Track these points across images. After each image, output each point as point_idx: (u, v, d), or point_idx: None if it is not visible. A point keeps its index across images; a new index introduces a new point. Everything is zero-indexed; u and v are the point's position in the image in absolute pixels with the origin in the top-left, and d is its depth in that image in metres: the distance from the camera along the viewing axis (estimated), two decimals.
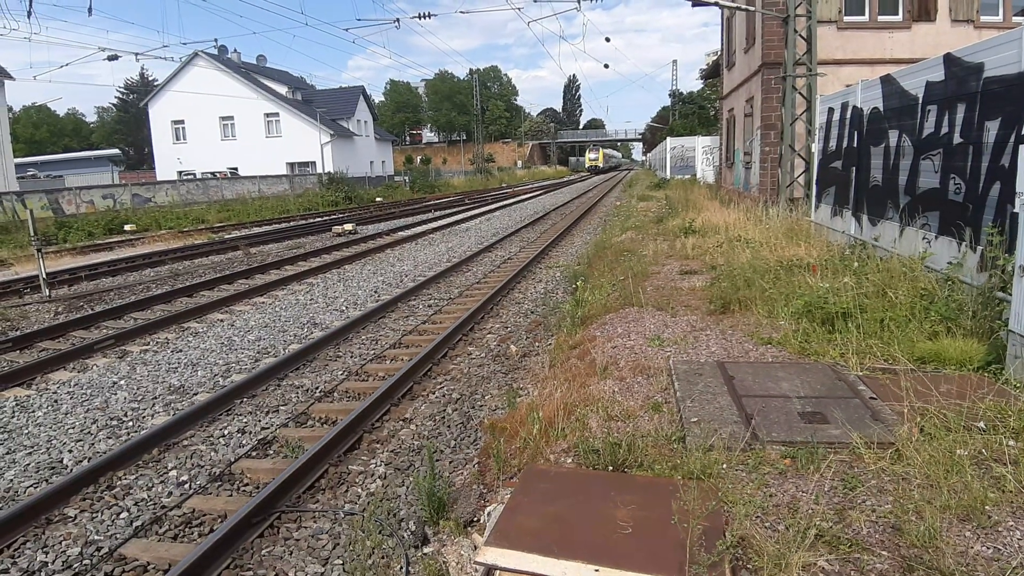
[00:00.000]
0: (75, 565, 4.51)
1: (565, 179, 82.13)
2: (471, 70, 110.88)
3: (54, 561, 4.56)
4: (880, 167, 9.71)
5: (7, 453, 6.31)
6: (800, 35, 16.25)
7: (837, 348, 6.11)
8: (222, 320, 11.50)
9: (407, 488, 5.31)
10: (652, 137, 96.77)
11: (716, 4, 18.16)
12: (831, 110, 12.29)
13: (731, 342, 6.93)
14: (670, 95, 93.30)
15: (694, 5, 17.12)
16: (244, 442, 6.45)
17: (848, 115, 11.26)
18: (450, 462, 5.83)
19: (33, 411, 7.36)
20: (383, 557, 4.34)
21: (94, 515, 5.13)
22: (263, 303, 12.78)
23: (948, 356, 5.64)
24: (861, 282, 7.33)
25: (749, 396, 5.26)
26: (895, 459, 4.00)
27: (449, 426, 6.67)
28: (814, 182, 13.56)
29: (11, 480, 5.76)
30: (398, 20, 27.16)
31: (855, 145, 10.87)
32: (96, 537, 4.83)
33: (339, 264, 17.02)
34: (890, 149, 9.37)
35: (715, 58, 37.02)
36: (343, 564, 4.36)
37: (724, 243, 12.49)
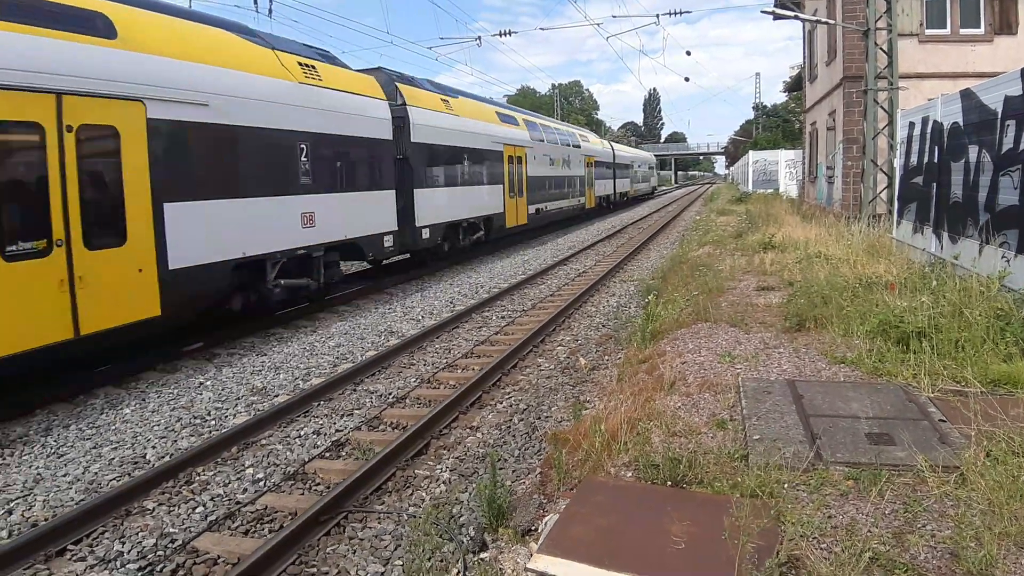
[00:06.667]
0: (149, 556, 4.76)
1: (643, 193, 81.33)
2: (553, 85, 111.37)
3: (129, 551, 4.83)
4: (960, 183, 9.39)
5: (94, 448, 6.71)
6: (881, 48, 15.85)
7: (910, 369, 5.93)
8: (306, 326, 11.93)
9: (470, 494, 5.41)
10: (735, 151, 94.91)
11: (796, 18, 17.87)
12: (912, 124, 11.94)
13: (803, 360, 6.79)
14: (753, 108, 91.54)
15: (775, 19, 16.92)
16: (318, 443, 6.70)
17: (928, 130, 10.93)
18: (513, 471, 5.91)
19: (121, 408, 7.80)
20: (442, 560, 4.45)
21: (171, 508, 5.42)
22: (345, 311, 13.20)
23: (1021, 379, 5.42)
24: (938, 301, 7.09)
25: (817, 416, 5.16)
26: (960, 483, 3.87)
27: (514, 435, 6.76)
28: (896, 198, 13.15)
29: (96, 473, 6.13)
30: (479, 38, 27.70)
31: (935, 160, 10.54)
32: (171, 529, 5.10)
33: (419, 276, 17.36)
34: (970, 165, 9.05)
35: (798, 71, 36.18)
36: (403, 565, 4.48)
37: (803, 259, 12.21)
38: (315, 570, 4.52)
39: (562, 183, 29.64)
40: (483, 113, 21.59)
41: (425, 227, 16.71)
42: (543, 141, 26.97)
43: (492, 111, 22.74)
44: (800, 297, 8.86)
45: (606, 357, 9.32)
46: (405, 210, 15.81)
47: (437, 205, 17.50)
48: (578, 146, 32.92)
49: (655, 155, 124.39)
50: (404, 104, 16.13)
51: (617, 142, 78.49)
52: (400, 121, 15.70)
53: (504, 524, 4.61)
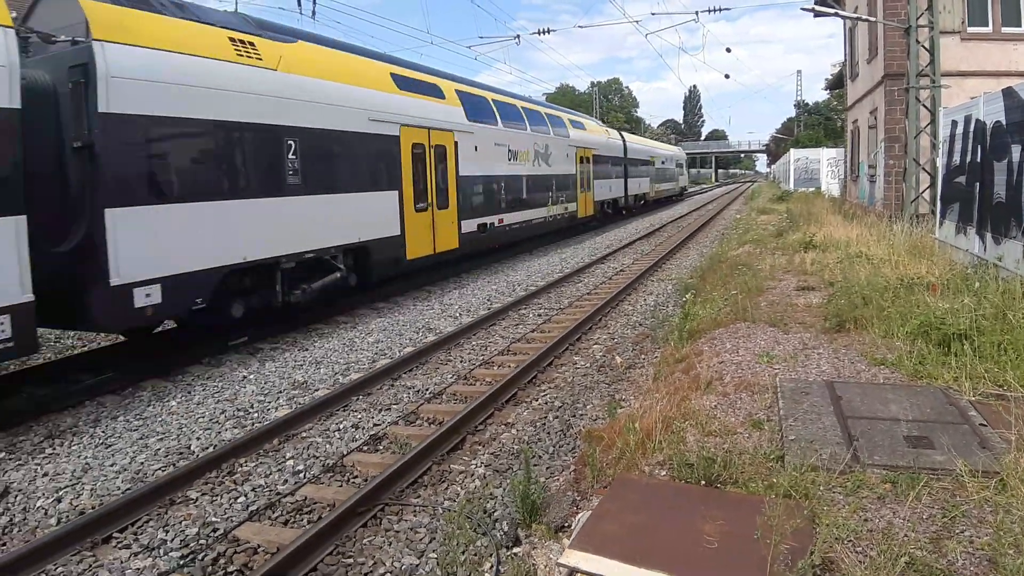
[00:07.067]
0: (191, 544, 4.91)
1: None
2: (592, 83, 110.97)
3: (173, 539, 4.98)
4: (1003, 183, 9.21)
5: (140, 438, 6.92)
6: (923, 46, 15.63)
7: (951, 372, 5.84)
8: (346, 322, 12.12)
9: (504, 490, 5.47)
10: (776, 149, 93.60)
11: (836, 15, 17.64)
12: (954, 123, 11.73)
13: (843, 361, 6.72)
14: (795, 106, 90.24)
15: (815, 16, 16.71)
16: (357, 437, 6.83)
17: (971, 129, 10.74)
18: (547, 468, 5.95)
19: (167, 400, 8.02)
20: (475, 554, 4.51)
21: (214, 498, 5.57)
22: (384, 308, 13.36)
23: None
24: (980, 303, 6.97)
25: (855, 418, 5.12)
26: (999, 489, 3.81)
27: (549, 433, 6.80)
28: (938, 198, 12.94)
29: (142, 463, 6.32)
30: (518, 36, 27.66)
31: (978, 160, 10.35)
32: (213, 519, 5.25)
33: (456, 273, 17.47)
34: (1013, 164, 8.87)
35: (839, 68, 35.57)
36: (437, 558, 4.56)
37: (844, 259, 12.05)
38: (352, 560, 4.62)
39: (534, 185, 21.33)
40: (354, 72, 12.94)
41: (147, 284, 8.46)
42: (494, 124, 18.69)
43: (382, 72, 14.00)
44: (840, 297, 8.75)
45: (642, 356, 9.30)
46: (79, 253, 8.03)
47: (193, 236, 9.13)
48: (564, 135, 24.86)
49: (695, 153, 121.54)
50: (89, 41, 7.99)
51: (656, 139, 74.69)
52: (79, 73, 7.97)
53: (537, 520, 4.67)
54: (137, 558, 4.77)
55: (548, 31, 27.78)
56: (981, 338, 6.17)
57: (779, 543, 3.23)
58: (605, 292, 14.08)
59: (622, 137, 35.72)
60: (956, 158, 11.69)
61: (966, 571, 3.19)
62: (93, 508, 5.43)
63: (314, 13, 21.03)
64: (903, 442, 4.61)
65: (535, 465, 5.88)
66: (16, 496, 5.72)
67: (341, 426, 7.11)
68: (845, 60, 29.57)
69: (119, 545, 4.95)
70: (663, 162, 47.74)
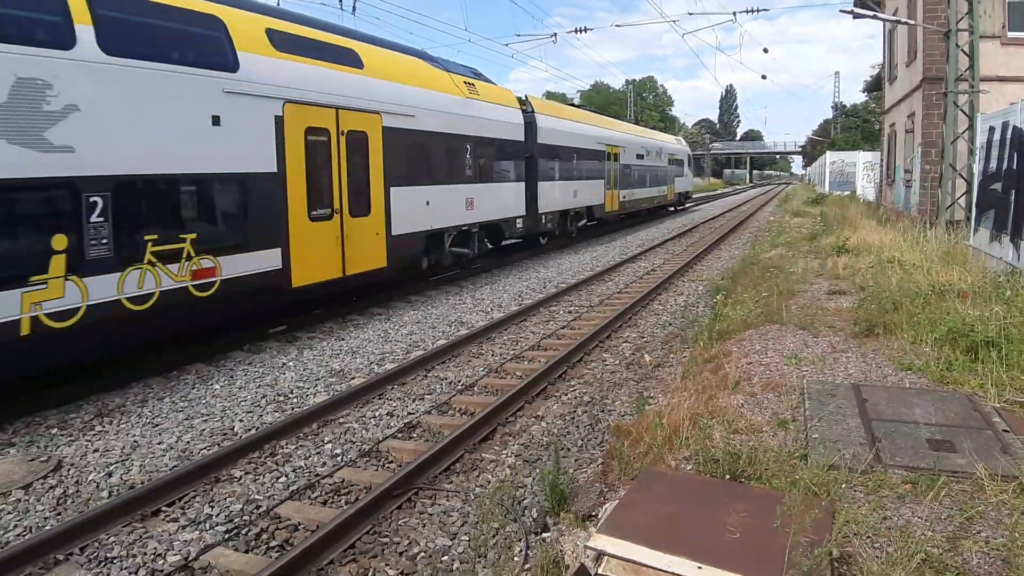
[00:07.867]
0: (235, 519, 5.17)
1: (718, 191, 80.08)
2: (626, 81, 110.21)
3: (218, 514, 5.25)
4: None
5: (186, 419, 7.22)
6: (962, 50, 15.46)
7: (977, 378, 5.92)
8: (381, 314, 12.37)
9: (533, 479, 5.65)
10: (812, 151, 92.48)
11: (876, 18, 17.47)
12: (992, 129, 11.60)
13: (870, 365, 6.81)
14: (832, 108, 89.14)
15: (855, 18, 16.59)
16: (392, 424, 7.06)
17: (1008, 135, 10.61)
18: (575, 460, 6.12)
19: (211, 384, 8.32)
20: (505, 538, 4.70)
21: (256, 477, 5.84)
22: (418, 301, 13.60)
23: None
24: (1010, 311, 6.99)
25: (879, 420, 5.23)
26: (1018, 492, 3.92)
27: (578, 426, 6.96)
28: (974, 204, 12.83)
29: (188, 443, 6.62)
30: (555, 35, 27.82)
31: (1015, 167, 10.23)
32: (256, 496, 5.51)
33: (487, 269, 17.67)
34: None
35: (878, 70, 35.08)
36: (469, 540, 4.76)
37: (876, 264, 12.04)
38: (388, 540, 4.84)
39: None
40: None
41: None
42: None
43: None
44: (871, 302, 8.80)
45: (672, 355, 9.41)
46: None
47: None
48: (214, 66, 8.74)
49: (730, 153, 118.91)
50: None
51: (691, 139, 72.49)
52: None
53: (565, 509, 4.85)
54: (184, 531, 5.03)
55: (585, 30, 27.91)
56: (1009, 346, 6.23)
57: (798, 534, 3.38)
58: (635, 291, 14.16)
59: (527, 104, 19.81)
60: (993, 164, 11.58)
61: (980, 570, 3.31)
62: (142, 483, 5.71)
63: (354, 9, 21.31)
64: (925, 445, 4.72)
65: (564, 457, 6.06)
66: (68, 470, 6.03)
67: (377, 413, 7.34)
68: (884, 63, 29.23)
69: (167, 518, 5.22)
70: (639, 155, 30.56)
